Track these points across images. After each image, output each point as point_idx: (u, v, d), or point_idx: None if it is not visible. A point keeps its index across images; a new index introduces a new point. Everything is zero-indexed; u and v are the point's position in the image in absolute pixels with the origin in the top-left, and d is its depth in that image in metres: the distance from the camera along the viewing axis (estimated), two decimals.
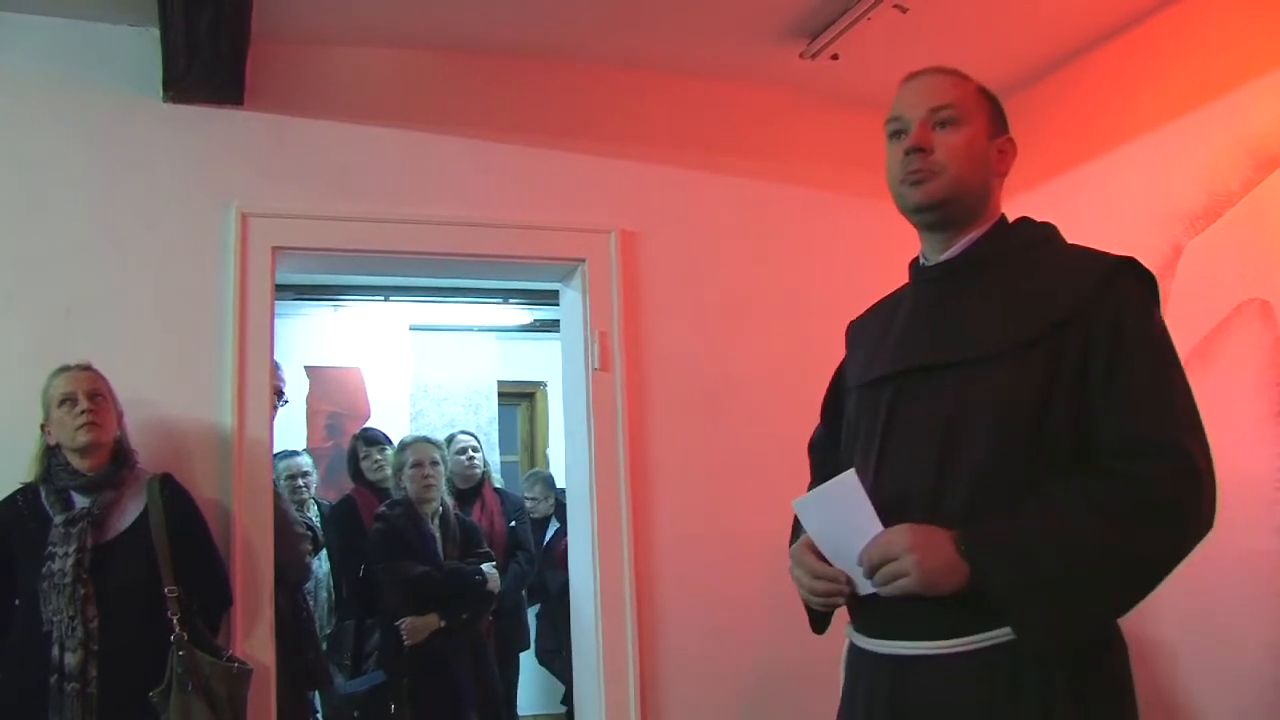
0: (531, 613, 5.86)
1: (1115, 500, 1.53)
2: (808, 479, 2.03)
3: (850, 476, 1.63)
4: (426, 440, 4.42)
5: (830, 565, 1.70)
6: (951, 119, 1.72)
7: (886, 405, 1.73)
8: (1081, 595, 1.52)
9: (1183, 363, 1.67)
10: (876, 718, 1.66)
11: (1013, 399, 1.60)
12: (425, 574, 4.11)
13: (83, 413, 2.61)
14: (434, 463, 4.27)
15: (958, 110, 1.72)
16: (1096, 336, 1.59)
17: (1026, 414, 1.60)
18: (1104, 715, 1.57)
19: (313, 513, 4.78)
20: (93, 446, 2.63)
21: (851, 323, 2.00)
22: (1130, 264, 1.67)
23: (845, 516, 1.63)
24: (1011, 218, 1.84)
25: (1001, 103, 1.83)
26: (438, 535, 4.24)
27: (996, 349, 1.63)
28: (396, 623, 4.08)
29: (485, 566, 4.27)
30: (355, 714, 4.38)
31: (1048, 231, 1.79)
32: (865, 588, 1.66)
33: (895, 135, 1.77)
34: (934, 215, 1.75)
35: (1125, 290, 1.63)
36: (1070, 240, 1.80)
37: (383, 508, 4.36)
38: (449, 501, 4.40)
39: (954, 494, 1.61)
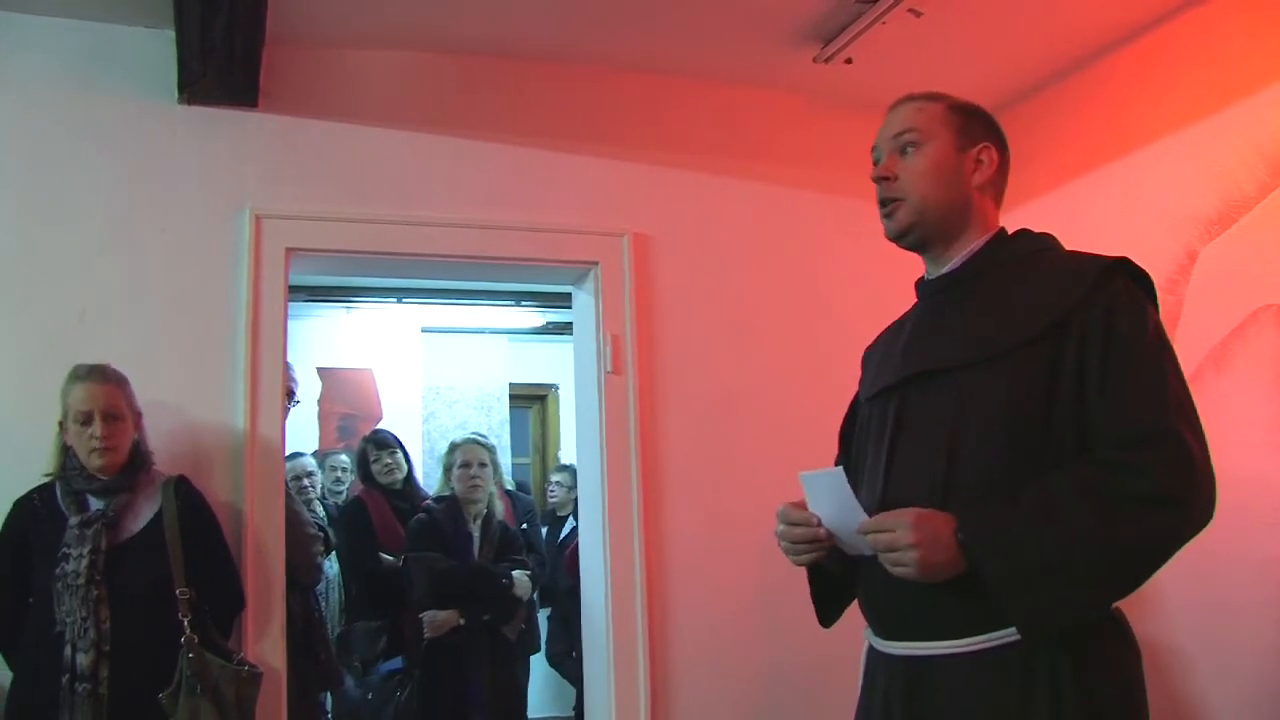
0: (543, 615, 5.87)
1: (1109, 488, 1.55)
2: None
3: (838, 472, 1.68)
4: (476, 442, 4.46)
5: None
6: (913, 142, 1.82)
7: (894, 413, 1.77)
8: (1073, 581, 1.53)
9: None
10: (894, 719, 1.68)
11: (1016, 398, 1.63)
12: (451, 568, 4.17)
13: (95, 436, 2.61)
14: (482, 464, 4.32)
15: (918, 133, 1.81)
16: (1090, 333, 1.63)
17: (1030, 413, 1.63)
18: (1113, 714, 1.58)
19: (320, 512, 4.81)
20: (105, 468, 2.64)
21: (867, 348, 2.04)
22: (1122, 264, 1.71)
23: (837, 505, 1.69)
24: (1027, 220, 1.87)
25: (987, 114, 1.88)
26: (476, 536, 4.29)
27: (997, 350, 1.67)
28: (420, 614, 4.14)
29: (516, 573, 4.30)
30: (369, 695, 4.47)
31: (1046, 241, 1.83)
32: (858, 550, 1.70)
33: (876, 164, 1.88)
34: (909, 240, 1.85)
35: (1117, 288, 1.67)
36: (1084, 244, 1.82)
37: (429, 500, 4.47)
38: (498, 506, 4.42)
39: (962, 495, 1.63)
